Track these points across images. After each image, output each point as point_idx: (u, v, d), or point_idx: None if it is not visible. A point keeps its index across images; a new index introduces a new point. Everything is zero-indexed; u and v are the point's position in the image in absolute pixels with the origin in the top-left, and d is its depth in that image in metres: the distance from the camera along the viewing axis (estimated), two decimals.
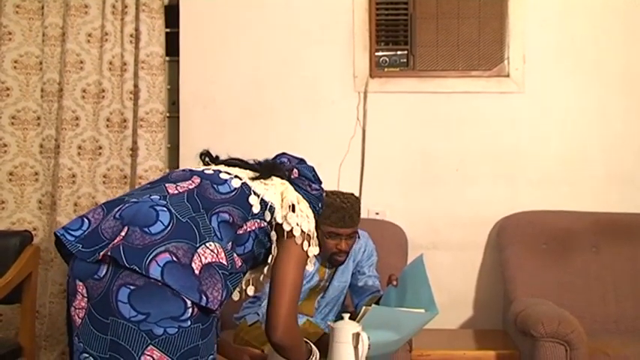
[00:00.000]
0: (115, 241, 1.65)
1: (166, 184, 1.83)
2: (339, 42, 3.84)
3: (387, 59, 3.85)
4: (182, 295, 1.62)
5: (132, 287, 1.61)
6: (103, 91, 3.83)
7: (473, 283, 3.79)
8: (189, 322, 1.64)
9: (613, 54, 3.78)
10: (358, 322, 2.40)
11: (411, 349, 3.03)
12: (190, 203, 1.77)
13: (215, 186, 1.83)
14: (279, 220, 1.86)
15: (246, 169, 1.97)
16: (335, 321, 2.40)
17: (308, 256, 1.93)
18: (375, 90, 3.82)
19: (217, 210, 1.78)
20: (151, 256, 1.62)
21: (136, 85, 3.84)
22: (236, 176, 1.89)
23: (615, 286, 3.47)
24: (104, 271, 1.65)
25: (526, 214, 3.68)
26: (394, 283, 2.65)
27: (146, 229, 1.66)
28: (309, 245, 1.92)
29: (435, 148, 3.82)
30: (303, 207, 1.92)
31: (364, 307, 2.53)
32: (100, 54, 3.83)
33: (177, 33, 3.93)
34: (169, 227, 1.68)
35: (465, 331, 3.72)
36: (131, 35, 3.83)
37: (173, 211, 1.72)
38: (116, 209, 1.74)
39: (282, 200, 1.89)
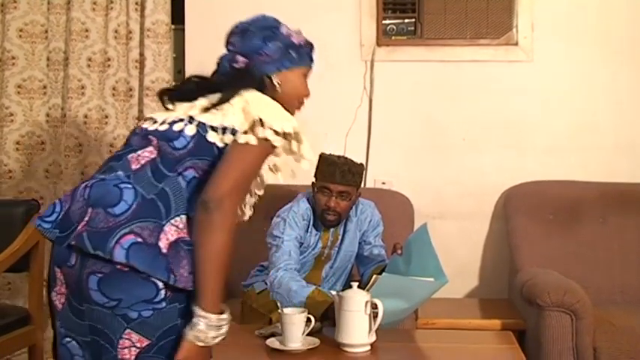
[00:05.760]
0: (79, 227, 1.64)
1: (129, 156, 1.77)
2: (346, 10, 3.80)
3: (395, 27, 3.81)
4: (150, 275, 1.59)
5: (99, 275, 1.60)
6: (109, 59, 3.81)
7: (479, 253, 3.80)
8: (164, 304, 1.62)
9: (622, 22, 3.73)
10: (367, 290, 2.42)
11: (417, 318, 3.05)
12: (154, 174, 1.71)
13: (171, 143, 1.74)
14: (241, 141, 1.71)
15: (205, 92, 1.85)
16: (343, 290, 2.42)
17: (273, 149, 1.74)
18: (382, 59, 3.79)
19: (180, 169, 1.71)
20: (115, 239, 1.59)
21: (141, 54, 3.82)
22: (190, 118, 1.78)
23: (622, 257, 3.47)
24: (74, 260, 1.65)
25: (533, 184, 3.67)
26: (399, 252, 2.65)
27: (110, 210, 1.64)
28: (298, 143, 1.80)
29: (442, 117, 3.79)
30: (276, 110, 1.81)
31: (374, 276, 2.54)
32: (106, 22, 3.80)
33: (183, 1, 3.89)
34: (133, 206, 1.64)
35: (470, 301, 3.73)
36: (136, 3, 3.80)
37: (138, 188, 1.68)
38: (84, 186, 1.73)
39: (244, 114, 1.76)
